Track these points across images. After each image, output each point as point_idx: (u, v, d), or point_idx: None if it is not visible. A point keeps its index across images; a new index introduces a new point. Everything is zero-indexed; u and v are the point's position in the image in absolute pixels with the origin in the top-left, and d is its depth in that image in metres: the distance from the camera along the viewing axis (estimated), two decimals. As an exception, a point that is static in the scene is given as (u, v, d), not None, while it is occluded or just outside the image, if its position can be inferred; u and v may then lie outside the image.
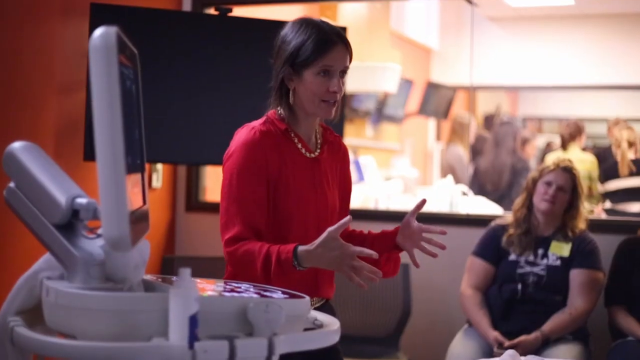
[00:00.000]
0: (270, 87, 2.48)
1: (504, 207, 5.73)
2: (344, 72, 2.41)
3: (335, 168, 2.56)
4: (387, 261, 2.55)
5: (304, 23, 2.39)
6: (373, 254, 2.25)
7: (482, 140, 7.46)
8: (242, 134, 2.40)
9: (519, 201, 4.07)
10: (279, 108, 2.46)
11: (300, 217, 2.40)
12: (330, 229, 2.24)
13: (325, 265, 2.28)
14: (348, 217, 2.26)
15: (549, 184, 3.94)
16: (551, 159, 4.74)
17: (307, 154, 2.46)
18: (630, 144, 5.83)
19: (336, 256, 2.24)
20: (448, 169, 7.23)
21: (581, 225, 3.96)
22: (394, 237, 2.52)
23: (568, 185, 3.95)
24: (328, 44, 2.36)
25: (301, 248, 2.26)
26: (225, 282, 1.99)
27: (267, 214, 2.38)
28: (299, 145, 2.45)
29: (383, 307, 4.40)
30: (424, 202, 2.52)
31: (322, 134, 2.55)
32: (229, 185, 2.36)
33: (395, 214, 4.64)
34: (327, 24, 2.42)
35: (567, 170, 3.97)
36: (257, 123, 2.43)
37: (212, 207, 4.85)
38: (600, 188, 6.04)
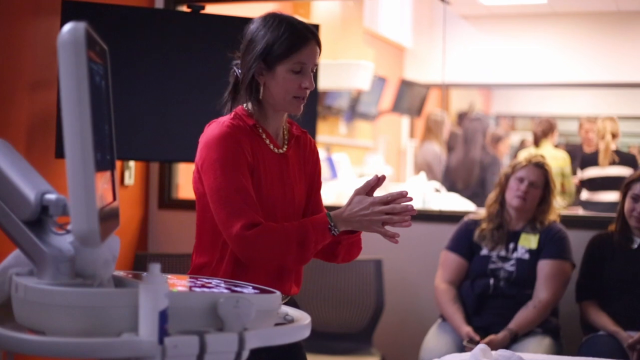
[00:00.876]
0: (227, 81, 2.48)
1: (477, 203, 5.76)
2: (314, 69, 2.42)
3: (303, 163, 2.56)
4: (350, 246, 2.52)
5: (276, 18, 2.39)
6: (403, 192, 2.34)
7: (455, 137, 7.50)
8: (213, 129, 2.38)
9: (491, 196, 4.09)
10: (245, 104, 2.46)
11: (268, 212, 2.39)
12: (357, 188, 2.33)
13: (358, 225, 2.35)
14: (375, 176, 2.34)
15: (521, 179, 3.97)
16: (524, 155, 4.78)
17: (275, 150, 2.46)
18: (614, 136, 5.91)
19: (367, 214, 2.32)
20: (424, 166, 7.26)
21: (551, 217, 3.99)
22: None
23: (540, 180, 3.97)
24: (302, 40, 2.36)
25: (333, 213, 2.33)
26: (196, 278, 1.99)
27: None
28: (267, 141, 2.45)
29: (356, 303, 4.41)
30: (378, 178, 2.40)
31: (289, 129, 2.55)
32: (217, 178, 2.31)
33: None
34: (299, 20, 2.43)
35: (539, 166, 4.00)
36: (226, 118, 2.42)
37: (185, 205, 4.84)
38: (579, 174, 6.09)
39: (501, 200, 4.04)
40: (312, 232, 2.31)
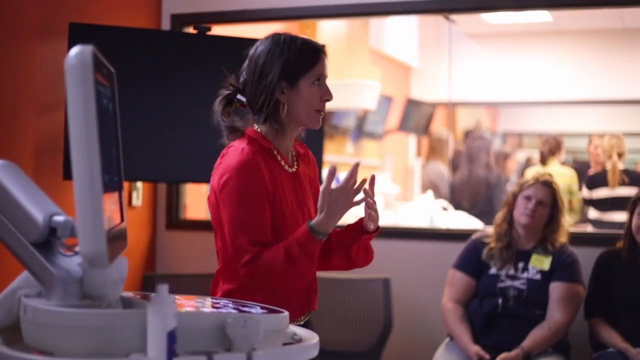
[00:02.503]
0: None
1: (484, 221, 5.76)
2: (326, 80, 2.45)
3: (310, 180, 2.58)
4: (361, 251, 2.55)
5: (286, 37, 2.41)
6: (357, 162, 2.35)
7: (460, 155, 7.51)
8: (233, 157, 2.36)
9: (499, 215, 4.09)
10: (256, 125, 2.46)
11: (290, 234, 2.39)
12: (321, 188, 2.31)
13: (340, 214, 2.33)
14: (333, 166, 2.31)
15: (528, 198, 3.97)
16: (531, 173, 4.77)
17: (288, 169, 2.48)
18: (620, 155, 5.87)
19: (343, 201, 2.31)
20: (429, 185, 7.26)
21: (562, 238, 3.99)
22: (360, 225, 2.50)
23: (548, 199, 3.97)
24: (317, 52, 2.41)
25: (311, 222, 2.32)
26: (204, 298, 1.99)
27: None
28: (282, 162, 2.46)
29: (364, 322, 4.41)
30: (373, 177, 2.45)
31: (294, 147, 2.56)
32: (237, 208, 2.32)
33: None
34: (302, 36, 2.46)
35: (547, 185, 3.99)
36: (243, 144, 2.40)
37: (193, 225, 4.85)
38: (587, 194, 6.07)
39: (509, 220, 4.04)
40: (295, 246, 2.31)
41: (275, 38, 2.41)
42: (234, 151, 2.38)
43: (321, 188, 2.32)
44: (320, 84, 2.40)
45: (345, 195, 2.32)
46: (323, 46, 2.45)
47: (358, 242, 2.50)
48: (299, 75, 2.38)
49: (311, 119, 2.42)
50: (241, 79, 2.47)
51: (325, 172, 2.45)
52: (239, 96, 2.48)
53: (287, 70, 2.37)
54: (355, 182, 2.35)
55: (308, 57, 2.38)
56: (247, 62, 2.46)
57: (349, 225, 2.52)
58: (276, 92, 2.38)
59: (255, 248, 2.31)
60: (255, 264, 2.30)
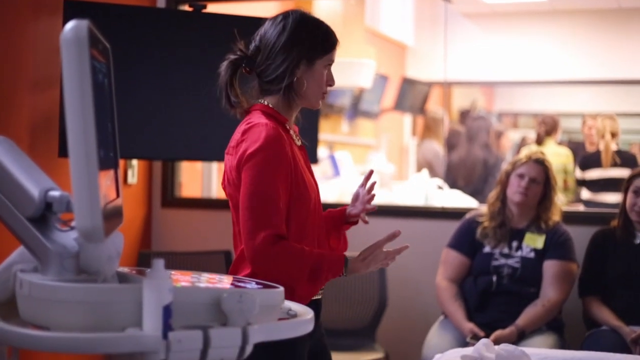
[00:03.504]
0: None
1: (479, 200, 5.77)
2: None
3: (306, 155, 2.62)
4: (338, 239, 2.63)
5: (309, 17, 2.47)
6: (404, 248, 2.50)
7: (456, 134, 7.51)
8: (261, 130, 2.34)
9: (493, 194, 4.10)
10: (262, 100, 2.46)
11: (312, 202, 2.44)
12: (378, 243, 2.46)
13: (364, 271, 2.47)
14: (394, 232, 2.47)
15: (521, 176, 3.98)
16: (524, 152, 4.77)
17: (297, 142, 2.51)
18: (613, 135, 5.86)
19: (377, 263, 2.48)
20: (424, 164, 7.27)
21: (555, 217, 4.01)
22: (342, 215, 2.63)
23: (541, 177, 3.98)
24: (335, 39, 2.49)
25: (351, 258, 2.42)
26: (199, 273, 2.00)
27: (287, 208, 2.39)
28: (293, 136, 2.49)
29: (359, 300, 4.42)
30: (371, 172, 2.67)
31: None
32: (261, 183, 2.30)
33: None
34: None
35: (540, 162, 4.00)
36: (262, 119, 2.39)
37: (188, 203, 4.86)
38: (579, 175, 6.07)
39: (502, 198, 4.05)
40: (327, 268, 2.35)
41: (302, 16, 2.46)
42: (258, 126, 2.36)
43: (378, 241, 2.46)
44: (328, 69, 2.48)
45: (382, 258, 2.47)
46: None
47: (337, 229, 2.62)
48: (318, 56, 2.44)
49: (316, 99, 2.49)
50: (252, 45, 2.47)
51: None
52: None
53: (311, 49, 2.43)
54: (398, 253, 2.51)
55: (329, 42, 2.46)
56: (263, 32, 2.46)
57: (330, 211, 2.62)
58: (297, 68, 2.42)
59: (281, 225, 2.29)
60: (278, 246, 2.27)
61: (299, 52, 2.41)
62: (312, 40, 2.43)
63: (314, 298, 2.46)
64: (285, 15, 2.47)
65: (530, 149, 4.85)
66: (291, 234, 2.35)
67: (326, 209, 2.60)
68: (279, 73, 2.42)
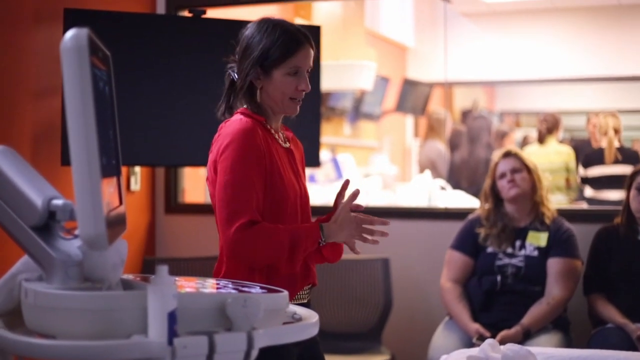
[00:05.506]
0: (220, 89, 2.54)
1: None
2: (309, 71, 2.49)
3: (301, 161, 2.63)
4: (332, 247, 2.57)
5: (270, 23, 2.44)
6: (385, 222, 2.44)
7: (459, 134, 7.51)
8: (235, 124, 2.40)
9: (486, 207, 4.10)
10: (246, 105, 2.50)
11: (291, 201, 2.44)
12: (343, 203, 2.43)
13: (342, 238, 2.43)
14: (357, 189, 2.45)
15: (503, 174, 4.02)
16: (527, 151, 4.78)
17: (282, 144, 2.52)
18: (616, 132, 5.86)
19: (352, 229, 2.41)
20: (427, 164, 7.26)
21: (550, 205, 4.05)
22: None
23: (519, 165, 4.03)
24: (296, 44, 2.43)
25: (325, 225, 2.40)
26: (204, 279, 2.00)
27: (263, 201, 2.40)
28: (276, 136, 2.50)
29: (364, 303, 4.42)
30: (356, 192, 2.49)
31: (282, 130, 2.61)
32: (232, 172, 2.33)
33: (375, 211, 4.66)
34: (292, 24, 2.49)
35: (509, 154, 4.09)
36: (239, 116, 2.45)
37: (192, 209, 4.86)
38: (582, 173, 6.07)
39: (496, 205, 4.06)
40: (304, 239, 2.36)
41: (260, 24, 2.46)
42: (233, 122, 2.43)
43: (343, 201, 2.44)
44: (297, 74, 2.44)
45: (357, 224, 2.42)
46: (307, 37, 2.47)
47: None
48: (273, 65, 2.42)
49: (284, 107, 2.48)
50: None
51: (347, 188, 2.54)
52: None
53: (262, 58, 2.42)
54: (371, 222, 2.44)
55: (284, 48, 2.41)
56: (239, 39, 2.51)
57: (318, 219, 2.59)
58: (250, 76, 2.43)
59: (253, 212, 2.31)
60: (253, 230, 2.29)
61: (251, 62, 2.42)
62: (263, 49, 2.41)
63: (300, 302, 2.46)
64: (250, 24, 2.49)
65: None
66: None
67: (329, 211, 2.59)
68: (239, 82, 2.48)
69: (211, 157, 2.44)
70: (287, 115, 2.53)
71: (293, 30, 2.44)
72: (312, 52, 2.47)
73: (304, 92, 2.47)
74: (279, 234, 2.33)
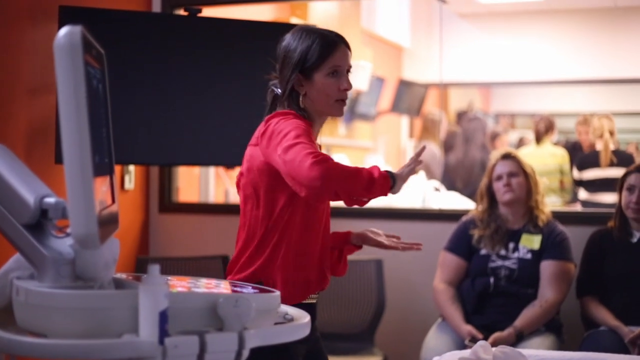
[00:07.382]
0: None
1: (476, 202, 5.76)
2: (349, 70, 2.53)
3: None
4: (338, 260, 2.69)
5: (304, 30, 2.51)
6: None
7: (454, 136, 7.51)
8: (288, 111, 2.46)
9: (481, 208, 4.10)
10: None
11: (319, 210, 2.51)
12: (415, 152, 2.59)
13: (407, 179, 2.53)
14: (424, 146, 2.58)
15: (499, 177, 4.01)
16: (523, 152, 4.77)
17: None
18: (611, 134, 5.86)
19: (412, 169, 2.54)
20: (421, 166, 7.25)
21: (546, 209, 4.03)
22: (346, 237, 2.71)
23: (516, 168, 4.02)
24: (332, 45, 2.49)
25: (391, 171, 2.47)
26: (197, 279, 2.00)
27: None
28: (318, 142, 2.55)
29: (357, 304, 4.42)
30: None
31: None
32: (292, 125, 2.35)
33: (372, 211, 4.67)
34: (325, 29, 2.56)
35: (508, 157, 4.08)
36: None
37: (185, 208, 4.86)
38: (577, 175, 6.07)
39: (491, 206, 4.06)
40: (379, 177, 2.38)
41: (295, 33, 2.52)
42: (284, 111, 2.47)
43: (415, 152, 2.56)
44: (338, 74, 2.49)
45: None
46: (341, 38, 2.53)
47: (341, 249, 2.68)
48: (312, 68, 2.47)
49: (330, 109, 2.52)
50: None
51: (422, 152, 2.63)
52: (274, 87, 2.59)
53: (300, 63, 2.47)
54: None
55: (321, 50, 2.47)
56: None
57: (335, 233, 2.68)
58: (291, 82, 2.48)
59: (321, 153, 2.29)
60: (333, 163, 2.27)
61: (291, 69, 2.48)
62: (300, 55, 2.47)
63: (308, 302, 2.51)
64: (287, 34, 2.54)
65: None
66: (295, 234, 2.44)
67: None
68: (282, 92, 2.52)
69: (256, 149, 2.44)
70: (333, 117, 2.58)
71: (327, 33, 2.51)
72: (348, 52, 2.52)
73: (347, 92, 2.51)
74: (355, 168, 2.35)
